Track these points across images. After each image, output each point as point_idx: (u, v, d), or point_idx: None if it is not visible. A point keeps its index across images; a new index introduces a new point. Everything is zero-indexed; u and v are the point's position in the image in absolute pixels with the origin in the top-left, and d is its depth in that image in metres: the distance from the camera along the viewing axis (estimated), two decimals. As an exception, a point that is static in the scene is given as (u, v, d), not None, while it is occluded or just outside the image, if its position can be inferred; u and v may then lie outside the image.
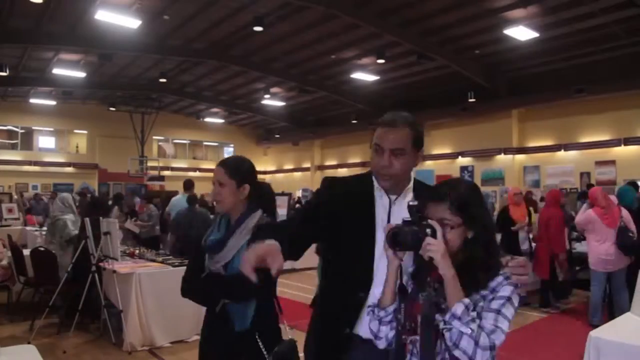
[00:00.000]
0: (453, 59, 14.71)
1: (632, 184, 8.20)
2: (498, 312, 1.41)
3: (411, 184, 1.91)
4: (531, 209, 7.63)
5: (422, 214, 1.48)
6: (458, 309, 1.37)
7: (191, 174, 26.32)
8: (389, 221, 1.80)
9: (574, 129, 15.91)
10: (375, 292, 1.69)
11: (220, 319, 2.12)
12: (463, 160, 18.80)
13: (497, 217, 7.09)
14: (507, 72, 16.04)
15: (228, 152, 29.79)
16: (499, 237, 6.55)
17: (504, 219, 6.85)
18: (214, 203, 2.25)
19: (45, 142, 24.43)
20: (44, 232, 8.17)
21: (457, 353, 1.36)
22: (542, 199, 10.25)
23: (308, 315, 2.02)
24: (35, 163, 22.58)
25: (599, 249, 5.56)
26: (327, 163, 25.88)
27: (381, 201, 1.87)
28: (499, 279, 1.47)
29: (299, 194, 22.97)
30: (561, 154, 16.29)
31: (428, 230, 1.42)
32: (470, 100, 16.60)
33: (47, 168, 22.77)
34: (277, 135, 26.94)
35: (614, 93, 14.22)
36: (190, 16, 13.04)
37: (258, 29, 12.49)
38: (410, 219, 1.46)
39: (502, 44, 13.58)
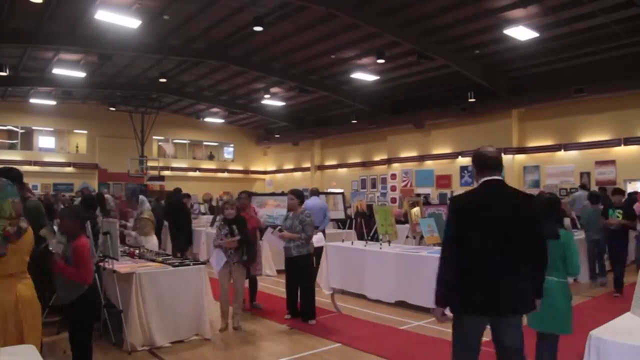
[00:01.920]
0: (453, 59, 14.71)
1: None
2: None
3: None
4: None
5: None
6: None
7: (191, 173, 26.36)
8: None
9: (574, 129, 15.91)
10: None
11: None
12: (463, 160, 18.79)
13: None
14: (507, 72, 16.04)
15: (228, 152, 29.82)
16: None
17: None
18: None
19: (45, 142, 24.43)
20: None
21: None
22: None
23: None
24: (35, 163, 22.58)
25: None
26: (327, 163, 25.88)
27: None
28: None
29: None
30: (561, 154, 16.29)
31: None
32: (470, 100, 16.60)
33: (47, 168, 22.78)
34: (277, 135, 26.95)
35: (614, 93, 14.23)
36: (190, 16, 13.04)
37: (258, 29, 12.48)
38: None
39: (502, 44, 13.58)
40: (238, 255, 5.74)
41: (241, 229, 5.73)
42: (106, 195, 9.67)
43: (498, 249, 2.87)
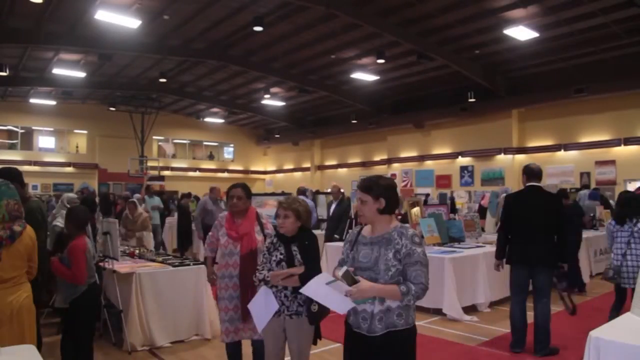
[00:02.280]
0: (453, 59, 14.72)
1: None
2: None
3: None
4: None
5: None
6: None
7: (191, 173, 26.36)
8: None
9: (574, 129, 15.92)
10: None
11: None
12: (463, 160, 18.80)
13: None
14: (507, 72, 16.05)
15: (228, 152, 29.82)
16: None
17: None
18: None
19: (45, 142, 24.44)
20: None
21: None
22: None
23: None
24: (35, 163, 22.59)
25: None
26: (327, 163, 25.89)
27: None
28: None
29: (299, 194, 22.98)
30: (561, 153, 16.29)
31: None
32: (470, 100, 16.61)
33: (47, 168, 22.79)
34: (277, 135, 26.96)
35: (614, 93, 14.24)
36: (190, 16, 13.05)
37: (258, 28, 12.49)
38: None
39: (502, 44, 13.59)
40: (299, 302, 3.11)
41: (309, 254, 3.17)
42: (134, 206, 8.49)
43: (533, 227, 4.67)
